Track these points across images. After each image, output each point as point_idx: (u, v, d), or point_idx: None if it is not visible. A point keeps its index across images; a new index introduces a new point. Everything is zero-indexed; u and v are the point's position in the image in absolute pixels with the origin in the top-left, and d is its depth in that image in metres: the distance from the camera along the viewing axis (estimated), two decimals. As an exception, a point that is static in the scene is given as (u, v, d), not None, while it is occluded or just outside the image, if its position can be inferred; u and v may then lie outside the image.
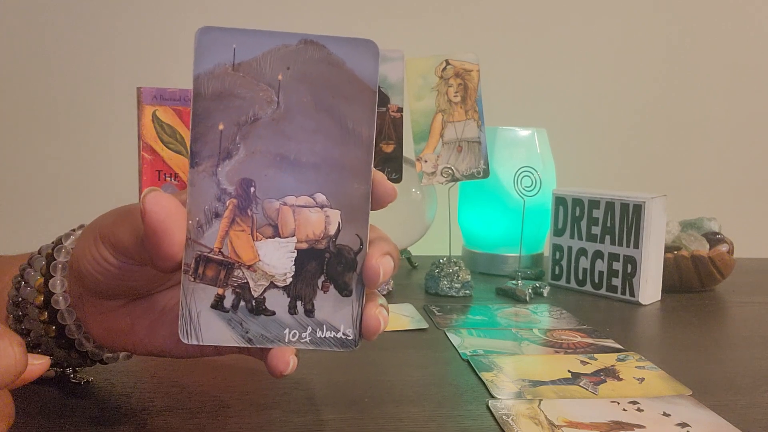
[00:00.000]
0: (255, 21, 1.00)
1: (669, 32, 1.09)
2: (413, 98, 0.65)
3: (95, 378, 0.42)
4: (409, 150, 0.66)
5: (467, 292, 0.69)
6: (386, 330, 0.56)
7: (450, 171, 0.66)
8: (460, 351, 0.50)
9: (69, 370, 0.41)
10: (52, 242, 0.37)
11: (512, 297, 0.69)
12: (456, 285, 0.69)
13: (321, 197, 0.30)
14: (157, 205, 0.28)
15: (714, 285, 0.74)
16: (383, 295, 0.67)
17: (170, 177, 0.56)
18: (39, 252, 0.37)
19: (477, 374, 0.45)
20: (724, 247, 0.72)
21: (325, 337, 0.31)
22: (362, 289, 0.31)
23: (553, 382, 0.44)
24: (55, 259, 0.35)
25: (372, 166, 0.30)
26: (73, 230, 0.37)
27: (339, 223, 0.30)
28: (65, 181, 1.00)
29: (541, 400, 0.41)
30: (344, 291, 0.31)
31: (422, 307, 0.64)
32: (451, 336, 0.54)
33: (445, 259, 0.71)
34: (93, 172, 1.00)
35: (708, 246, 0.73)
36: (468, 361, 0.48)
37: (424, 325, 0.57)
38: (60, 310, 0.35)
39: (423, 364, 0.48)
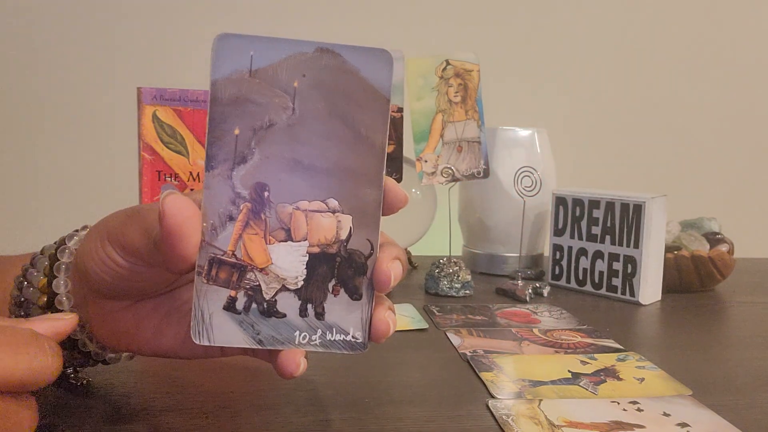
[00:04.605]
0: (254, 22, 1.00)
1: (669, 32, 1.09)
2: (413, 98, 0.65)
3: (95, 378, 0.42)
4: (409, 150, 0.66)
5: (467, 292, 0.69)
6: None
7: (450, 171, 0.66)
8: (460, 351, 0.50)
9: (69, 371, 0.41)
10: (55, 243, 0.37)
11: (512, 297, 0.69)
12: (456, 285, 0.69)
13: (333, 202, 0.31)
14: (176, 208, 0.28)
15: (714, 285, 0.74)
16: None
17: (170, 177, 0.56)
18: (41, 252, 0.37)
19: (477, 374, 0.45)
20: (724, 247, 0.72)
21: (334, 339, 0.32)
22: (372, 293, 0.32)
23: (553, 382, 0.44)
24: (59, 260, 0.35)
25: (384, 172, 0.31)
26: (77, 231, 0.37)
27: (350, 228, 0.31)
28: (65, 181, 1.01)
29: (541, 400, 0.41)
30: (354, 295, 0.31)
31: (422, 307, 0.64)
32: (451, 336, 0.54)
33: (445, 259, 0.71)
34: (93, 172, 1.00)
35: (708, 246, 0.73)
36: (468, 361, 0.48)
37: (424, 325, 0.57)
38: (64, 310, 0.35)
39: (423, 364, 0.48)
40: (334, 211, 0.31)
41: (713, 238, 0.74)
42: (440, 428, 0.37)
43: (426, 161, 0.66)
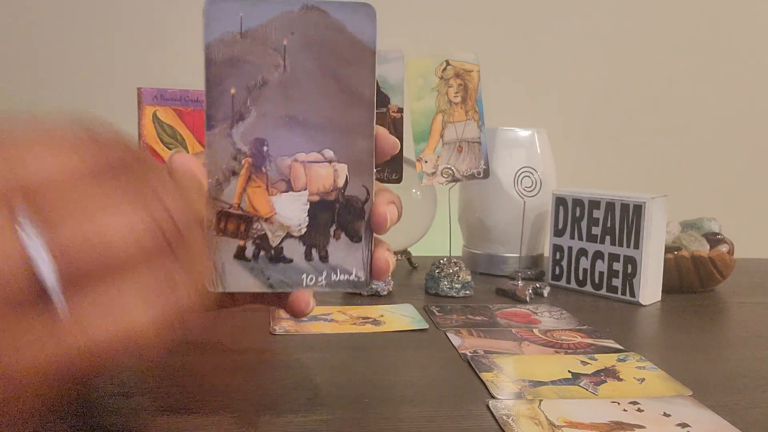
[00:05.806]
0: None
1: (669, 32, 1.09)
2: (413, 98, 0.65)
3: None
4: (409, 150, 0.66)
5: (467, 292, 0.69)
6: (386, 330, 0.56)
7: (450, 171, 0.66)
8: (460, 351, 0.50)
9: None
10: None
11: (512, 297, 0.69)
12: (456, 285, 0.69)
13: (329, 153, 0.33)
14: (183, 164, 0.30)
15: (714, 285, 0.74)
16: (384, 296, 0.67)
17: (170, 177, 0.56)
18: None
19: (477, 374, 0.45)
20: (724, 248, 0.72)
21: (339, 279, 0.34)
22: (370, 236, 0.34)
23: (553, 383, 0.44)
24: None
25: (374, 122, 0.33)
26: None
27: (346, 176, 0.33)
28: (65, 181, 1.00)
29: (541, 401, 0.41)
30: (354, 237, 0.34)
31: (422, 308, 0.64)
32: (452, 336, 0.54)
33: (445, 259, 0.71)
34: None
35: (708, 246, 0.73)
36: (468, 362, 0.48)
37: (425, 325, 0.57)
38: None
39: (423, 364, 0.48)
40: (330, 161, 0.33)
41: (713, 239, 0.74)
42: (440, 428, 0.37)
43: (426, 161, 0.66)
